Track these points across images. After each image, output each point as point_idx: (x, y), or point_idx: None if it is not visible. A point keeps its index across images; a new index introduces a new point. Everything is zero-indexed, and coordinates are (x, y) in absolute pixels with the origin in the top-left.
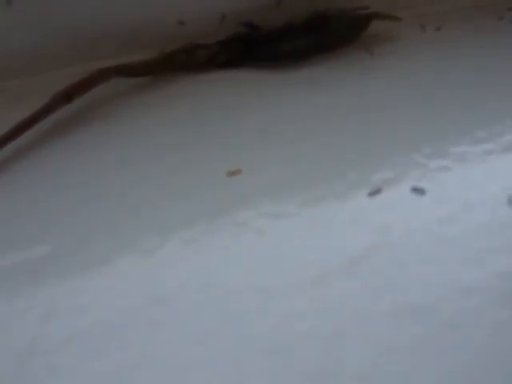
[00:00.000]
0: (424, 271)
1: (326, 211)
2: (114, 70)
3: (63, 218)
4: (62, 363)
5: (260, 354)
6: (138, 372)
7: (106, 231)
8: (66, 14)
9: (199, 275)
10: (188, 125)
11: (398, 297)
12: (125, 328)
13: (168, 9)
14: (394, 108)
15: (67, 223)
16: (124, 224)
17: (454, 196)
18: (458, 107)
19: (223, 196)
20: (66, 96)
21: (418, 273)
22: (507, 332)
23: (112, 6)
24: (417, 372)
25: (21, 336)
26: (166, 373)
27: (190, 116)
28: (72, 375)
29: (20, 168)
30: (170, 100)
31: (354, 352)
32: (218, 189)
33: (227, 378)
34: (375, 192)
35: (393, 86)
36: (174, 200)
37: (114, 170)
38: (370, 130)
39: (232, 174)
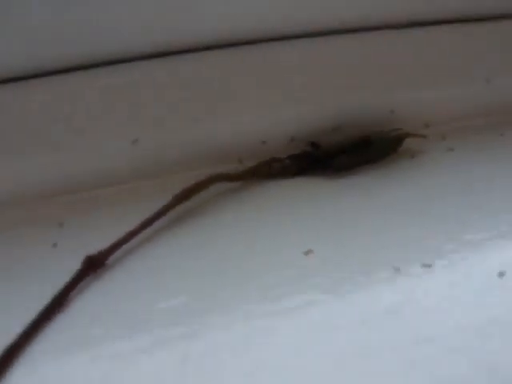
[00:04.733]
0: None
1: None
2: (220, 176)
3: None
4: None
5: None
6: None
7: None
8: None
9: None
10: (267, 222)
11: None
12: None
13: (254, 134)
14: (412, 215)
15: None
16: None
17: None
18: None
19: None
20: (185, 196)
21: None
22: None
23: (208, 133)
24: None
25: None
26: None
27: (268, 215)
28: None
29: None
30: (255, 201)
31: None
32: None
33: None
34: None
35: (417, 193)
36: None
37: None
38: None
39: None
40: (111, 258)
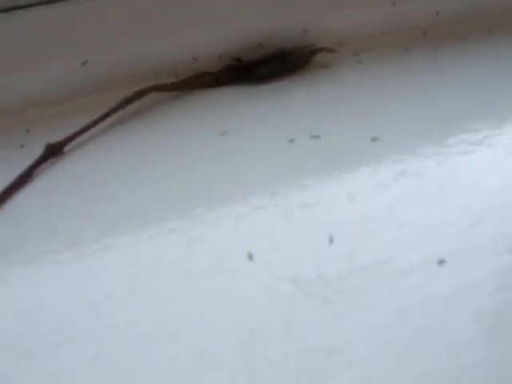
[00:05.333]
0: None
1: None
2: (157, 87)
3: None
4: None
5: None
6: None
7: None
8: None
9: None
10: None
11: None
12: None
13: (187, 52)
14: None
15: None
16: None
17: None
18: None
19: None
20: (128, 101)
21: None
22: None
23: (147, 53)
24: None
25: None
26: None
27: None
28: None
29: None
30: (188, 104)
31: None
32: None
33: None
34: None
35: (327, 96)
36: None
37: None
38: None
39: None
40: (69, 147)
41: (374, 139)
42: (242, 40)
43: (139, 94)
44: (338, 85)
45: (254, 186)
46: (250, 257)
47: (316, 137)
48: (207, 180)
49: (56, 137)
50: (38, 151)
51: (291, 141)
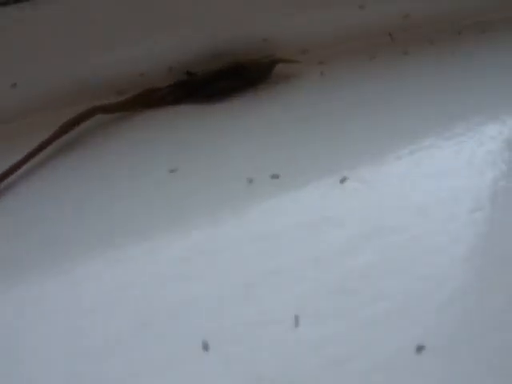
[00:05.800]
0: None
1: None
2: (98, 108)
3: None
4: None
5: None
6: None
7: None
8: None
9: None
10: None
11: None
12: None
13: (132, 66)
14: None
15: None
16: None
17: None
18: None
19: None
20: (66, 128)
21: None
22: None
23: (86, 69)
24: None
25: None
26: None
27: (144, 142)
28: None
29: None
30: (134, 129)
31: None
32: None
33: None
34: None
35: (286, 114)
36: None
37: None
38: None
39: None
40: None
41: (343, 180)
42: (195, 51)
43: (81, 118)
44: (301, 102)
45: (212, 255)
46: (206, 347)
47: (276, 177)
48: (154, 236)
49: None
50: None
51: (250, 181)
